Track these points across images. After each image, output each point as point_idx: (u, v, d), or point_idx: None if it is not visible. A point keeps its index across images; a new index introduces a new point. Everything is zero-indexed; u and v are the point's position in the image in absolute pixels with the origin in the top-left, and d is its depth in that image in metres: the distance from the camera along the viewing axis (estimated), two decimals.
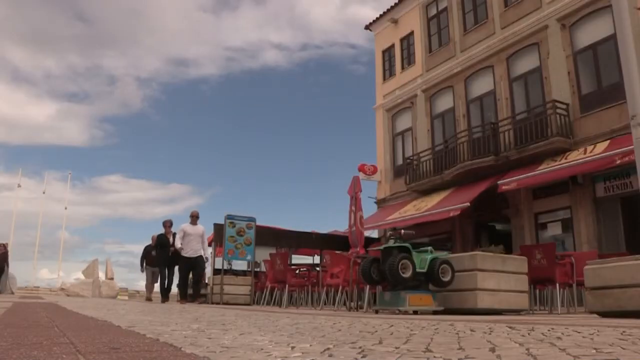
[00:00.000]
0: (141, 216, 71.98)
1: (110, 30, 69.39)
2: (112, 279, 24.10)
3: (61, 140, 70.67)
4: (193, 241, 10.60)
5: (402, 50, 19.34)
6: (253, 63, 72.33)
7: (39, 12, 64.77)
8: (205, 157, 70.55)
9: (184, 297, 10.81)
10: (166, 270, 11.27)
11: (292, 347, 1.66)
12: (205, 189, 74.84)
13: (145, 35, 70.97)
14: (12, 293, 18.26)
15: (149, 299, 12.92)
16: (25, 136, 71.06)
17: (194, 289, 11.55)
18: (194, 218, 10.93)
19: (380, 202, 18.90)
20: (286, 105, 71.72)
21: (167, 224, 11.78)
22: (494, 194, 13.37)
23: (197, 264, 10.75)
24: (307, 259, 16.73)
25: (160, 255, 11.44)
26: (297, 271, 10.44)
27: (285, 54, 73.02)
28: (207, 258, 11.09)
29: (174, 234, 11.35)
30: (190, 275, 11.39)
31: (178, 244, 10.58)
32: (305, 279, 9.91)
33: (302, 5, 69.11)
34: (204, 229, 11.09)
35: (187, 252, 10.54)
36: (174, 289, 11.87)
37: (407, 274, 5.94)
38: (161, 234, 11.77)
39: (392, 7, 19.63)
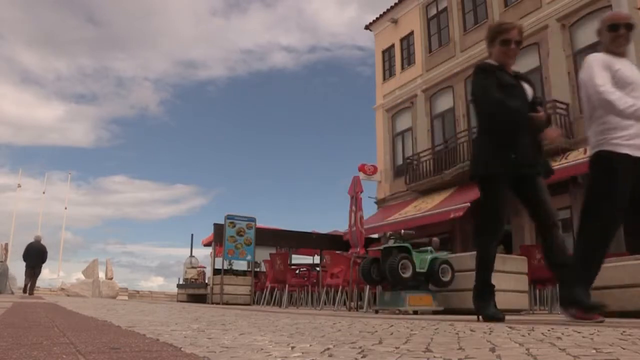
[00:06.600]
0: (145, 217, 71.93)
1: (121, 32, 69.40)
2: (111, 279, 24.10)
3: (67, 141, 70.54)
4: None
5: (402, 50, 19.36)
6: (261, 65, 72.25)
7: (50, 15, 64.77)
8: (210, 158, 70.46)
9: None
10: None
11: (292, 347, 1.66)
12: (210, 189, 74.77)
13: (155, 37, 70.97)
14: (12, 293, 18.28)
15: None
16: (32, 137, 70.98)
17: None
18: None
19: (380, 202, 18.92)
20: (291, 106, 71.69)
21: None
22: None
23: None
24: (307, 259, 16.75)
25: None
26: (297, 271, 10.46)
27: (294, 56, 72.96)
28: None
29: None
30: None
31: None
32: (305, 279, 9.93)
33: (311, 8, 69.15)
34: None
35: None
36: None
37: (407, 274, 5.95)
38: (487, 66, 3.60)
39: (392, 7, 19.66)
